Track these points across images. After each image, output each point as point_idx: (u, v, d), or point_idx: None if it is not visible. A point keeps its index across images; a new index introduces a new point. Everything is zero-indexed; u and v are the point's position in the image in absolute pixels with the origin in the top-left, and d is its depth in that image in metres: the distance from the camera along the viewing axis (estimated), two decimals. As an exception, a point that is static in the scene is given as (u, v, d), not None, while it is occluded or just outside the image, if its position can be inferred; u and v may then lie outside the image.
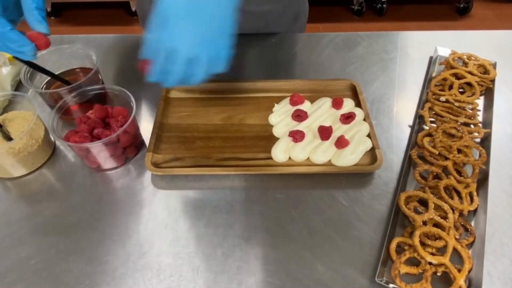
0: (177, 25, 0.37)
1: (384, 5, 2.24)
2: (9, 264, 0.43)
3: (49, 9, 2.25)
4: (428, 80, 0.65)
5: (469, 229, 0.45)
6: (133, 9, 2.26)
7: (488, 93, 0.62)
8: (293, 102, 0.58)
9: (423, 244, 0.43)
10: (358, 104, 0.59)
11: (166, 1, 0.37)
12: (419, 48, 0.73)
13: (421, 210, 0.46)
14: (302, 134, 0.53)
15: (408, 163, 0.53)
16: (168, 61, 0.38)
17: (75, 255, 0.44)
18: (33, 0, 0.42)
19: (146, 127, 0.57)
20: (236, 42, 0.77)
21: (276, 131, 0.56)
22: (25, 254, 0.44)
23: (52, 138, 0.56)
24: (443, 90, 0.61)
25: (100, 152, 0.49)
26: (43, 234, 0.46)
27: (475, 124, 0.56)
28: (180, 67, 0.38)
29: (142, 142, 0.56)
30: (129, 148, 0.52)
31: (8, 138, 0.50)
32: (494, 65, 0.66)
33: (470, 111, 0.58)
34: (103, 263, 0.44)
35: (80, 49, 0.60)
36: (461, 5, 2.25)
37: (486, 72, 0.64)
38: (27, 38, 0.43)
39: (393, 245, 0.43)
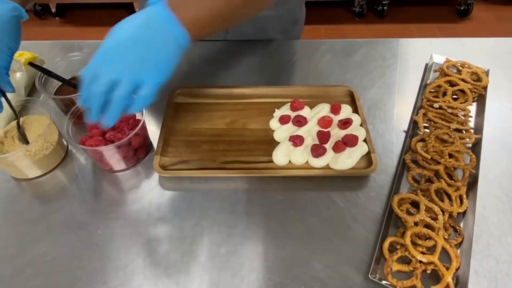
0: (106, 53, 0.40)
1: (385, 7, 2.26)
2: (27, 259, 0.47)
3: (53, 10, 2.28)
4: (423, 86, 0.68)
5: (458, 230, 0.48)
6: (137, 10, 2.29)
7: (481, 99, 0.65)
8: (293, 108, 0.61)
9: (414, 243, 0.45)
10: (355, 110, 0.62)
11: (111, 35, 0.40)
12: (416, 55, 0.75)
13: (413, 212, 0.49)
14: (301, 139, 0.56)
15: (402, 167, 0.55)
16: (92, 83, 0.40)
17: (88, 252, 0.47)
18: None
19: (153, 130, 0.60)
20: (238, 49, 0.80)
21: (277, 136, 0.59)
22: (42, 251, 0.48)
23: (65, 141, 0.59)
24: (437, 97, 0.64)
25: (114, 154, 0.52)
26: (58, 232, 0.49)
27: (466, 130, 0.59)
28: (101, 88, 0.39)
29: (151, 144, 0.59)
30: (140, 149, 0.55)
31: (25, 141, 0.53)
32: (487, 73, 0.69)
33: (462, 117, 0.61)
34: (114, 259, 0.47)
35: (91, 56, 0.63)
36: (462, 8, 2.27)
37: (478, 79, 0.67)
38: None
39: (386, 244, 0.46)
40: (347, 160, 0.54)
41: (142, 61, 0.39)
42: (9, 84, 0.50)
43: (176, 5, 0.40)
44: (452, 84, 0.66)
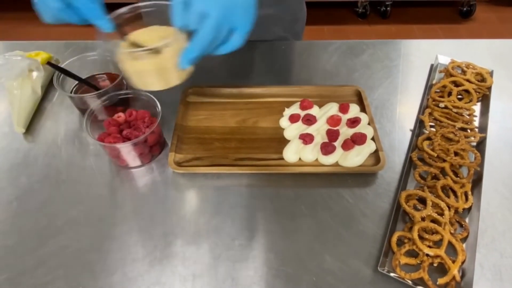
0: None
1: (388, 8, 2.28)
2: (50, 251, 0.49)
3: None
4: (428, 87, 0.70)
5: (463, 225, 0.50)
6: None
7: (485, 99, 0.67)
8: (302, 107, 0.63)
9: (421, 237, 0.47)
10: (363, 109, 0.64)
11: None
12: (421, 56, 0.77)
13: (420, 207, 0.51)
14: (311, 137, 0.58)
15: (409, 165, 0.57)
16: (200, 23, 0.41)
17: (108, 244, 0.49)
18: None
19: (167, 128, 0.62)
20: (248, 50, 0.81)
21: (287, 134, 0.60)
22: (63, 243, 0.49)
23: None
24: (442, 97, 0.66)
25: (130, 151, 0.54)
26: (78, 226, 0.51)
27: (471, 129, 0.61)
28: (208, 29, 0.41)
29: (165, 141, 0.61)
30: (155, 146, 0.57)
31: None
32: (491, 73, 0.70)
33: (467, 117, 0.62)
34: (133, 252, 0.49)
35: (108, 56, 0.65)
36: (464, 9, 2.29)
37: (483, 80, 0.68)
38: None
39: (394, 239, 0.48)
40: (356, 157, 0.56)
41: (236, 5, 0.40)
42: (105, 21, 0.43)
43: None
44: (457, 84, 0.67)
